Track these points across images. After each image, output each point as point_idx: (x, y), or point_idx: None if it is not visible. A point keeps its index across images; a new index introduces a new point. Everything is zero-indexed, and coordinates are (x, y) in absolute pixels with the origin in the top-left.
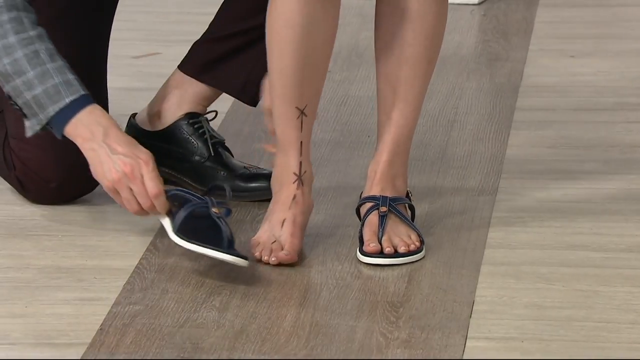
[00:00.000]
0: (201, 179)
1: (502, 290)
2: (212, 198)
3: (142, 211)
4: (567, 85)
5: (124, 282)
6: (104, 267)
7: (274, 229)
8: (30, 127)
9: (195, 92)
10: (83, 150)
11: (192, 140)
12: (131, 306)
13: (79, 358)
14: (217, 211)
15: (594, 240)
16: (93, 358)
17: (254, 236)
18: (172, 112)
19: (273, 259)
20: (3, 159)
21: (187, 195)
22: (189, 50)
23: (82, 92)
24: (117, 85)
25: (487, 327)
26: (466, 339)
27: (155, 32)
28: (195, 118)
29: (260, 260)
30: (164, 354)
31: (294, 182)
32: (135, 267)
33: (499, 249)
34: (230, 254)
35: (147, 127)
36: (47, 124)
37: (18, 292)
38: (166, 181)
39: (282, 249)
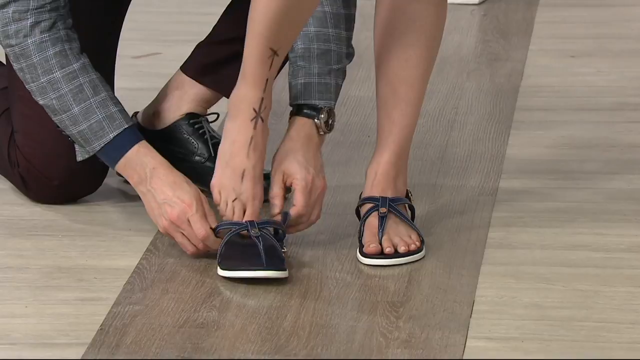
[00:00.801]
0: (201, 179)
1: (502, 290)
2: (256, 221)
3: (199, 251)
4: (567, 85)
5: (124, 282)
6: (104, 267)
7: (235, 181)
8: (79, 153)
9: (195, 93)
10: (137, 191)
11: (192, 141)
12: (131, 306)
13: (79, 358)
14: (255, 231)
15: (594, 240)
16: (93, 358)
17: (212, 180)
18: (172, 112)
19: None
20: (7, 156)
21: (231, 225)
22: (192, 52)
23: (125, 126)
24: (118, 85)
25: (488, 327)
26: (466, 338)
27: (155, 32)
28: (195, 118)
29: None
30: (164, 354)
31: (252, 120)
32: (136, 267)
33: (499, 249)
34: (265, 270)
35: (148, 127)
36: (95, 155)
37: (18, 292)
38: None
39: (244, 210)
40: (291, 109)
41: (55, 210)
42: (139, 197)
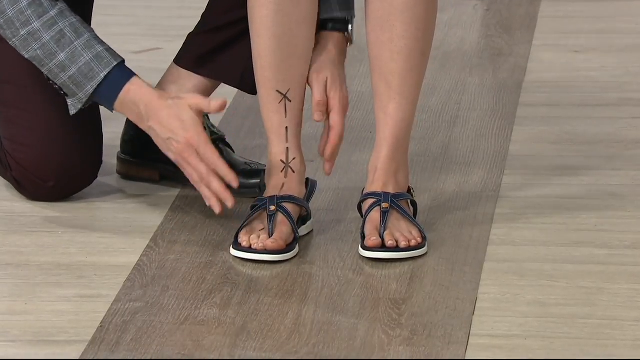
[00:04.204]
0: None
1: (505, 288)
2: (277, 195)
3: (204, 180)
4: (570, 80)
5: (125, 279)
6: (104, 263)
7: (263, 218)
8: (72, 106)
9: (193, 86)
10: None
11: None
12: (131, 303)
13: (79, 356)
14: (273, 208)
15: (597, 237)
16: (93, 356)
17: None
18: None
19: (260, 245)
20: None
21: (259, 201)
22: (184, 44)
23: (114, 63)
24: None
25: (490, 324)
26: (469, 336)
27: (156, 27)
28: None
29: (248, 248)
30: (165, 351)
31: (282, 171)
32: (136, 263)
33: (502, 245)
34: (264, 254)
35: None
36: (89, 100)
37: (18, 289)
38: (165, 177)
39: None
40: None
41: (55, 206)
42: (139, 194)
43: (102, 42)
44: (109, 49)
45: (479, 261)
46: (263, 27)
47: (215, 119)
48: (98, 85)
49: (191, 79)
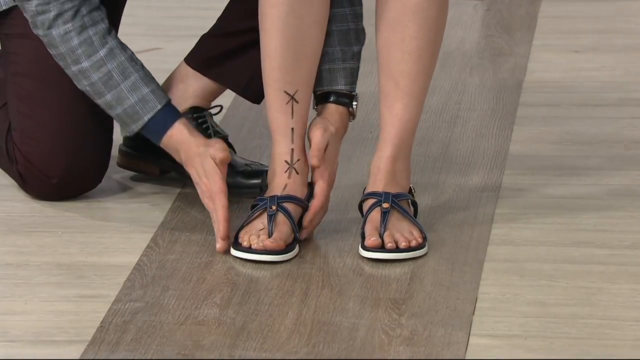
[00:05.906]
0: None
1: (505, 287)
2: (278, 195)
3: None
4: (571, 80)
5: (125, 279)
6: (104, 263)
7: (264, 217)
8: (123, 130)
9: (199, 86)
10: None
11: None
12: (132, 303)
13: (79, 356)
14: (273, 208)
15: (598, 237)
16: (93, 356)
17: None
18: (176, 105)
19: (260, 245)
20: (5, 151)
21: (259, 201)
22: (196, 44)
23: (158, 107)
24: None
25: (490, 324)
26: (469, 336)
27: (156, 27)
28: (199, 112)
29: (248, 248)
30: (165, 351)
31: (285, 171)
32: (136, 263)
33: (502, 245)
34: (264, 254)
35: None
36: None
37: (18, 289)
38: (166, 172)
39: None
40: (319, 95)
41: (55, 206)
42: (139, 193)
43: (148, 83)
44: (155, 90)
45: (479, 261)
46: (274, 28)
47: (215, 119)
48: (142, 127)
49: (198, 80)
